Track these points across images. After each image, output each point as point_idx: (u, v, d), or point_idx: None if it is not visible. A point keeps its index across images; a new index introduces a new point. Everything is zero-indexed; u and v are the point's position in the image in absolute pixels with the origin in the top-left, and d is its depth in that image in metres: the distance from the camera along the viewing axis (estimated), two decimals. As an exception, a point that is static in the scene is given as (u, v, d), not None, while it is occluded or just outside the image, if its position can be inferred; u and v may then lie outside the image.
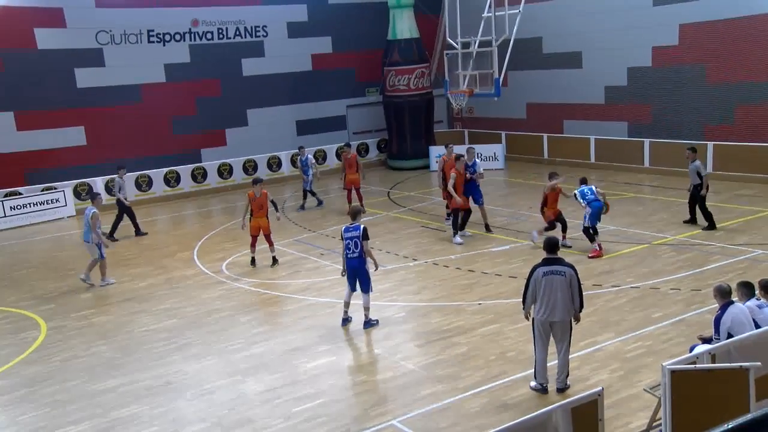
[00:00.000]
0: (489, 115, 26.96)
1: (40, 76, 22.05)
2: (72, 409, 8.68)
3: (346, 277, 10.82)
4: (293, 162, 25.23)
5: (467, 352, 9.57)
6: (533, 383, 8.33)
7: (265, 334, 10.80)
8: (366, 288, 10.72)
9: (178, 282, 13.85)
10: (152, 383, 9.31)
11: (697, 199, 15.09)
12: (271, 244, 14.43)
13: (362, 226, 10.64)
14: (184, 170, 23.98)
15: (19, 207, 20.81)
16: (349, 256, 10.61)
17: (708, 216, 14.91)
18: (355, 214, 11.08)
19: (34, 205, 21.07)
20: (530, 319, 8.31)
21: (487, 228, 15.71)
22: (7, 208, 20.56)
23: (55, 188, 21.68)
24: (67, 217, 21.38)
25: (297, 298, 12.40)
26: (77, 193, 22.12)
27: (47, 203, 21.36)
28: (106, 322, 11.87)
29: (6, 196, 20.88)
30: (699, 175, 14.96)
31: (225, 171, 24.58)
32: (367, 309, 10.78)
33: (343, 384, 8.96)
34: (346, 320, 10.98)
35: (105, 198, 19.27)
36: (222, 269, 14.53)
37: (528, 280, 8.14)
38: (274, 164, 25.71)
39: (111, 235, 17.41)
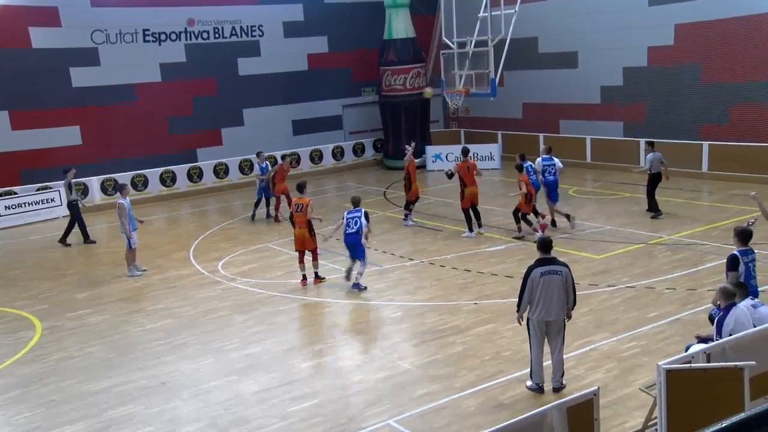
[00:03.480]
0: (485, 114, 26.99)
1: (35, 75, 21.95)
2: (67, 410, 8.66)
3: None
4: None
5: (463, 352, 9.57)
6: (529, 383, 8.33)
7: (260, 334, 10.79)
8: (361, 256, 12.37)
9: (173, 282, 13.83)
10: (147, 383, 9.29)
11: (653, 187, 16.05)
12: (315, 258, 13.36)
13: (363, 210, 12.45)
14: (180, 170, 23.94)
15: (13, 206, 20.74)
16: (347, 232, 12.34)
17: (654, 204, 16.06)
18: (356, 202, 12.75)
19: (28, 204, 21.00)
20: (524, 322, 8.32)
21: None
22: (1, 208, 20.49)
23: (50, 188, 21.59)
24: (62, 216, 21.29)
25: (293, 298, 12.39)
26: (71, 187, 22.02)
27: (42, 203, 21.29)
28: (101, 321, 11.84)
29: (0, 195, 20.80)
30: (662, 162, 15.96)
31: (221, 171, 24.55)
32: (360, 275, 12.42)
33: (339, 384, 8.96)
34: (356, 285, 12.40)
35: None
36: (218, 269, 14.51)
37: (524, 282, 8.11)
38: (271, 164, 25.63)
39: (63, 240, 17.58)
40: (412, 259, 14.23)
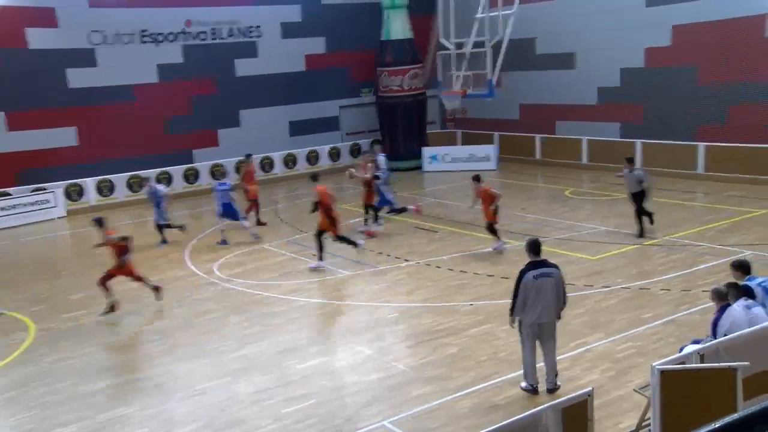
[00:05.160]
0: (482, 116, 26.99)
1: (32, 75, 21.89)
2: (61, 411, 8.63)
3: None
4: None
5: (458, 353, 9.57)
6: (524, 384, 8.33)
7: (256, 335, 10.77)
8: None
9: (169, 283, 13.78)
10: (142, 384, 9.28)
11: (639, 206, 14.70)
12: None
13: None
14: (177, 171, 23.92)
15: (8, 208, 20.70)
16: None
17: (648, 215, 14.81)
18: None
19: (24, 206, 20.96)
20: (515, 325, 8.30)
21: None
22: (-5, 209, 20.48)
23: (46, 189, 21.56)
24: (58, 217, 21.28)
25: (288, 299, 12.37)
26: (68, 194, 22.03)
27: (38, 204, 21.25)
28: (96, 323, 11.82)
29: (-5, 197, 20.78)
30: (640, 182, 14.60)
31: (217, 172, 24.52)
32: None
33: (334, 385, 8.95)
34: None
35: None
36: (214, 270, 14.49)
37: (517, 285, 8.07)
38: (267, 165, 25.66)
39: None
40: (407, 260, 14.23)
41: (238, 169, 19.42)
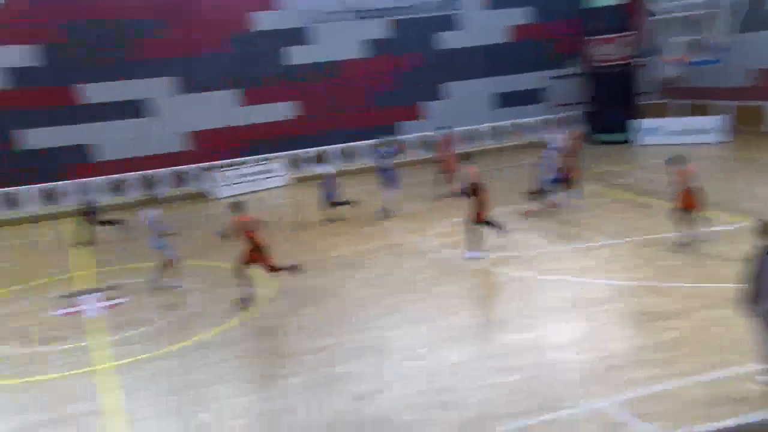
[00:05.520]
0: (702, 83, 24.71)
1: (257, 56, 24.06)
2: (290, 362, 9.44)
3: None
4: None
5: (681, 338, 9.01)
6: (763, 377, 7.60)
7: (467, 305, 10.95)
8: None
9: (390, 250, 14.37)
10: (363, 345, 9.80)
11: None
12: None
13: None
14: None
15: (241, 176, 22.93)
16: None
17: None
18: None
19: (252, 174, 23.09)
20: (755, 314, 7.59)
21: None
22: (233, 177, 22.79)
23: (270, 159, 23.64)
24: (280, 186, 23.23)
25: (499, 272, 12.41)
26: (290, 164, 23.97)
27: (263, 173, 23.31)
28: (319, 284, 12.68)
29: (230, 166, 23.12)
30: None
31: (422, 144, 24.98)
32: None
33: (546, 360, 8.84)
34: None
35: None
36: (428, 239, 14.88)
37: (755, 269, 7.35)
38: (474, 137, 25.81)
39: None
40: (620, 237, 13.60)
41: (436, 143, 19.80)
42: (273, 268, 11.79)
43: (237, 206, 11.77)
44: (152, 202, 14.23)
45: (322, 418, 7.87)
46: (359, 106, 25.22)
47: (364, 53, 25.29)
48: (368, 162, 24.36)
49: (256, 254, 11.53)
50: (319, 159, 19.04)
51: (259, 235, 11.57)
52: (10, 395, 9.23)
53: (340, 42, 24.94)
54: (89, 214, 17.66)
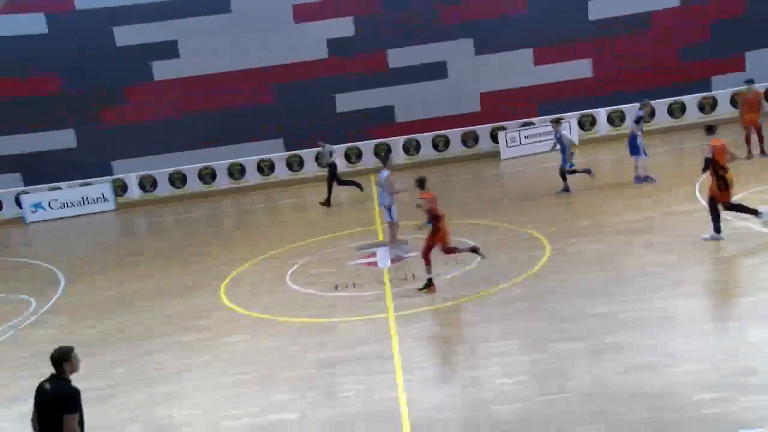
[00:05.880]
0: None
1: (556, 12, 23.51)
2: (568, 327, 9.22)
3: None
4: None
5: None
6: None
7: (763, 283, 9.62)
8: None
9: (675, 217, 13.30)
10: (645, 314, 9.22)
11: None
12: None
13: None
14: (690, 100, 22.73)
15: (531, 136, 22.75)
16: None
17: None
18: None
19: (540, 135, 22.68)
20: None
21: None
22: (522, 137, 22.73)
23: (563, 119, 22.96)
24: (551, 148, 22.53)
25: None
26: (581, 124, 23.10)
27: (542, 136, 22.57)
28: (599, 249, 12.17)
29: (522, 126, 23.07)
30: None
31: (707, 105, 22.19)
32: None
33: None
34: None
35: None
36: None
37: None
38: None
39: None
40: None
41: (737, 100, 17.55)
42: (449, 250, 11.25)
43: (421, 182, 11.35)
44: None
45: (595, 388, 7.56)
46: (665, 62, 23.20)
47: (678, 2, 23.12)
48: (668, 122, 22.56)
49: (434, 236, 11.04)
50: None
51: (438, 212, 11.02)
52: (314, 333, 10.45)
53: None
54: (331, 174, 19.35)
